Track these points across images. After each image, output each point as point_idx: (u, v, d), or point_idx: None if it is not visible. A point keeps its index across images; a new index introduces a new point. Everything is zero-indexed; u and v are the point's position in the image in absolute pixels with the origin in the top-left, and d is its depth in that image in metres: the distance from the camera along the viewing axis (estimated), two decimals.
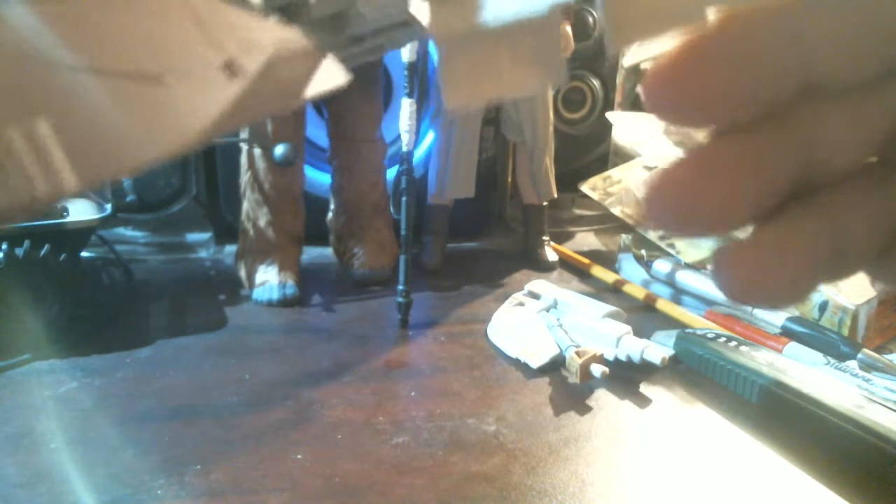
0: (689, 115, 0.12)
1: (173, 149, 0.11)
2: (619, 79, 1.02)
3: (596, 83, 1.01)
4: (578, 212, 1.06)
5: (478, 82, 0.13)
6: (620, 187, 0.85)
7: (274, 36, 0.12)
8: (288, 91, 0.12)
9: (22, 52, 0.10)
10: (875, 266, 0.13)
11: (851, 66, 0.12)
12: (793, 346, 0.57)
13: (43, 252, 0.57)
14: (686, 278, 0.73)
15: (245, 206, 0.76)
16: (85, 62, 0.10)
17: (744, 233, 0.13)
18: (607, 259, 0.84)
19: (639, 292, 0.73)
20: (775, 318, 0.63)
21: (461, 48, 0.13)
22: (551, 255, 0.85)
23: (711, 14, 0.12)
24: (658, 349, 0.55)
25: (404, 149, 0.70)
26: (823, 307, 0.61)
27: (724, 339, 0.55)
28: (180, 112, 0.11)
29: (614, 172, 0.89)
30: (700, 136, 0.13)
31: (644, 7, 0.11)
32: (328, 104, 0.79)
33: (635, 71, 1.16)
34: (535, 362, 0.57)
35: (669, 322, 0.66)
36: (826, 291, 0.61)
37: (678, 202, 0.12)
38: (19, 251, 0.56)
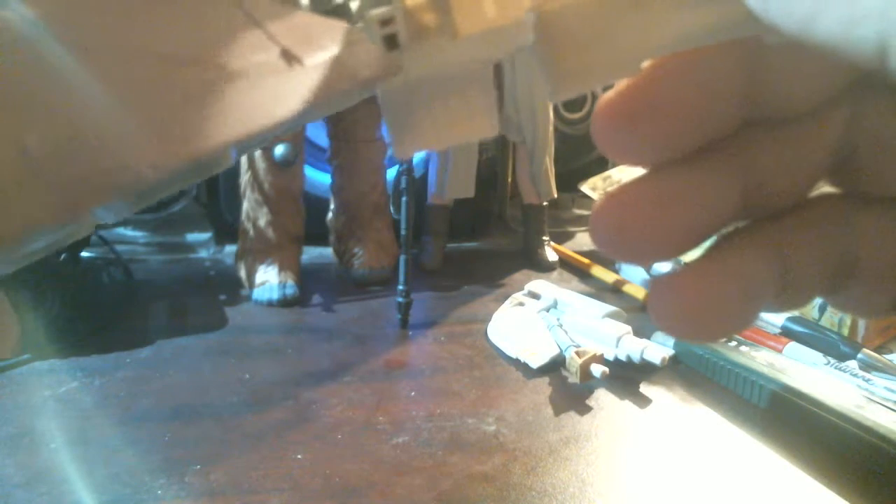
0: (632, 155, 0.12)
1: (245, 133, 0.11)
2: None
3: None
4: (578, 212, 1.06)
5: (418, 134, 0.13)
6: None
7: (329, 30, 0.12)
8: (355, 81, 0.12)
9: (124, 42, 0.11)
10: (829, 298, 0.13)
11: (791, 99, 0.12)
12: (793, 346, 0.57)
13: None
14: None
15: (245, 206, 0.76)
16: (159, 50, 0.11)
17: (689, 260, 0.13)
18: (607, 259, 0.84)
19: (639, 292, 0.73)
20: (775, 318, 0.63)
21: (400, 101, 0.13)
22: (551, 255, 0.85)
23: (645, 64, 0.12)
24: (658, 349, 0.55)
25: None
26: (823, 307, 0.61)
27: (724, 339, 0.55)
28: (249, 98, 0.11)
29: (614, 172, 0.89)
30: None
31: (581, 61, 0.12)
32: None
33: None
34: (535, 362, 0.57)
35: None
36: None
37: (620, 229, 0.12)
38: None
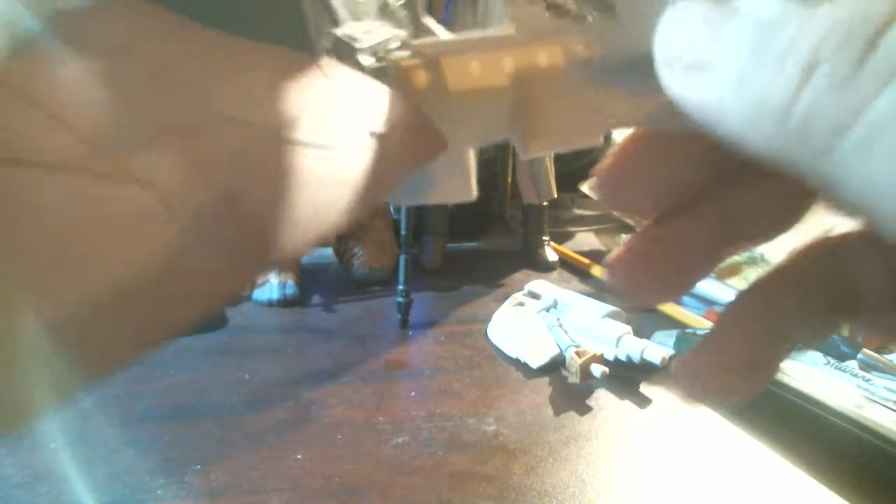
0: (624, 207, 0.15)
1: (351, 211, 0.12)
2: None
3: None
4: (578, 212, 1.06)
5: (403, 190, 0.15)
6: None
7: (399, 105, 0.13)
8: (407, 159, 0.13)
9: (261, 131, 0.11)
10: (855, 326, 0.14)
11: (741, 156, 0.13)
12: None
13: None
14: None
15: None
16: (290, 134, 0.12)
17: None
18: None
19: None
20: None
21: None
22: (551, 255, 0.85)
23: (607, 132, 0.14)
24: (658, 349, 0.55)
25: None
26: None
27: None
28: (350, 176, 0.12)
29: None
30: None
31: (549, 127, 0.14)
32: None
33: None
34: (535, 362, 0.57)
35: (669, 322, 0.66)
36: None
37: (627, 282, 0.15)
38: None
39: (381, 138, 0.13)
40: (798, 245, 0.14)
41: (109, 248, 0.10)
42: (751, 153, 0.10)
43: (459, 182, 0.15)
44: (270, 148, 0.11)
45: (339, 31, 0.14)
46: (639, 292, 0.14)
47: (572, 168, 1.00)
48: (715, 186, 0.14)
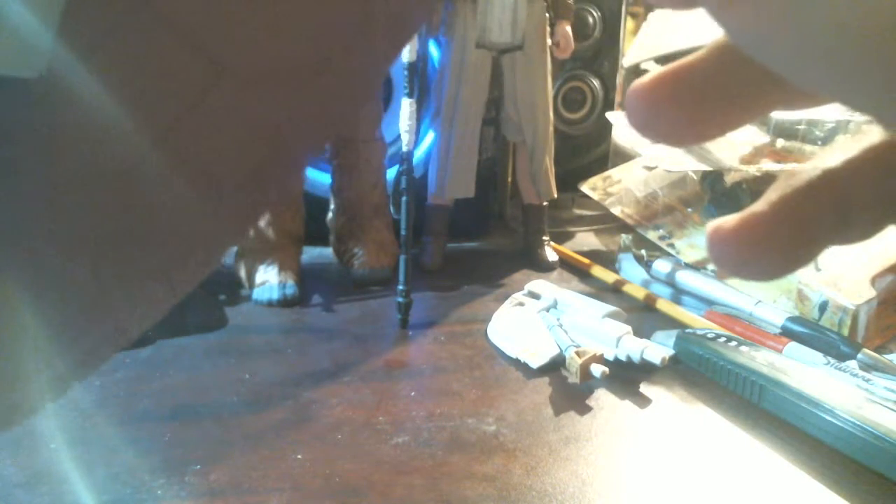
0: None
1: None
2: (619, 79, 1.02)
3: (596, 83, 1.01)
4: (578, 212, 1.06)
5: None
6: (620, 187, 0.86)
7: None
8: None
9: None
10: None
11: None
12: (793, 346, 0.57)
13: None
14: (686, 278, 0.73)
15: None
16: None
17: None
18: (607, 259, 0.84)
19: (639, 292, 0.73)
20: (775, 318, 0.63)
21: None
22: (551, 255, 0.85)
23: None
24: (658, 349, 0.55)
25: (404, 149, 0.70)
26: (823, 307, 0.61)
27: (724, 339, 0.55)
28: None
29: (614, 172, 0.89)
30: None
31: None
32: None
33: (635, 71, 1.16)
34: (535, 362, 0.57)
35: (669, 322, 0.66)
36: (826, 291, 0.61)
37: (650, 115, 0.13)
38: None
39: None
40: (857, 143, 0.13)
41: (160, 239, 0.11)
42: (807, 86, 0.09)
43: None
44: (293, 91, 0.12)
45: None
46: (659, 125, 0.13)
47: (572, 168, 1.00)
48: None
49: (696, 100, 0.13)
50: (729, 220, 0.13)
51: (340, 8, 0.12)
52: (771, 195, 0.13)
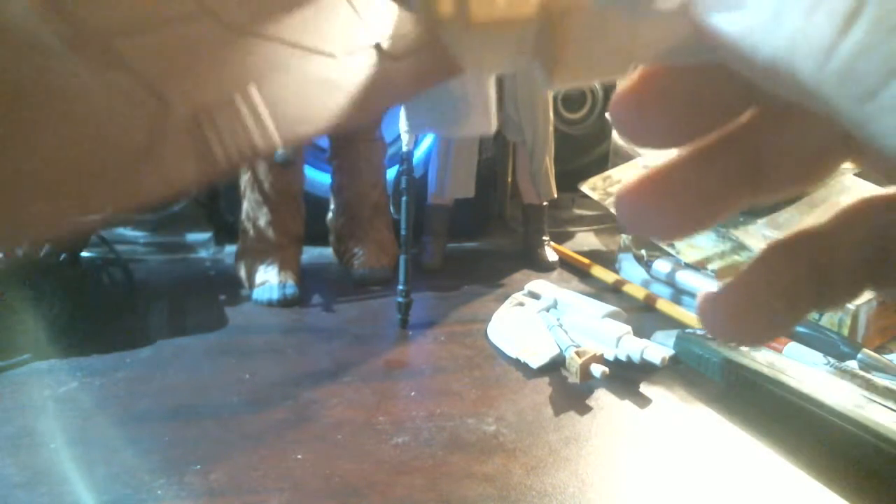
0: (644, 138, 0.14)
1: (346, 117, 0.12)
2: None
3: (596, 83, 1.01)
4: (578, 212, 1.06)
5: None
6: (620, 187, 0.85)
7: (407, 25, 0.13)
8: (417, 75, 0.13)
9: (232, 25, 0.12)
10: (879, 293, 0.14)
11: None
12: (793, 346, 0.56)
13: (43, 252, 0.57)
14: (686, 278, 0.73)
15: (245, 206, 0.76)
16: (279, 36, 0.12)
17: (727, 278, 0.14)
18: (607, 259, 0.84)
19: (639, 292, 0.73)
20: None
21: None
22: (551, 255, 0.85)
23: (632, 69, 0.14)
24: (658, 349, 0.55)
25: (404, 149, 0.70)
26: None
27: None
28: (349, 83, 0.12)
29: (614, 172, 0.89)
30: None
31: (577, 56, 0.13)
32: None
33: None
34: (535, 362, 0.57)
35: (669, 322, 0.66)
36: None
37: (637, 215, 0.14)
38: (19, 251, 0.56)
39: (386, 52, 0.13)
40: (837, 206, 0.14)
41: (91, 138, 0.11)
42: (784, 91, 0.09)
43: (479, 115, 0.15)
44: (276, 62, 0.12)
45: None
46: (644, 224, 0.14)
47: (572, 168, 1.00)
48: (739, 130, 0.14)
49: (676, 201, 0.14)
50: (718, 288, 0.14)
51: None
52: (754, 260, 0.14)
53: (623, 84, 0.13)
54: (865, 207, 0.13)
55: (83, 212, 0.10)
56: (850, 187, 0.68)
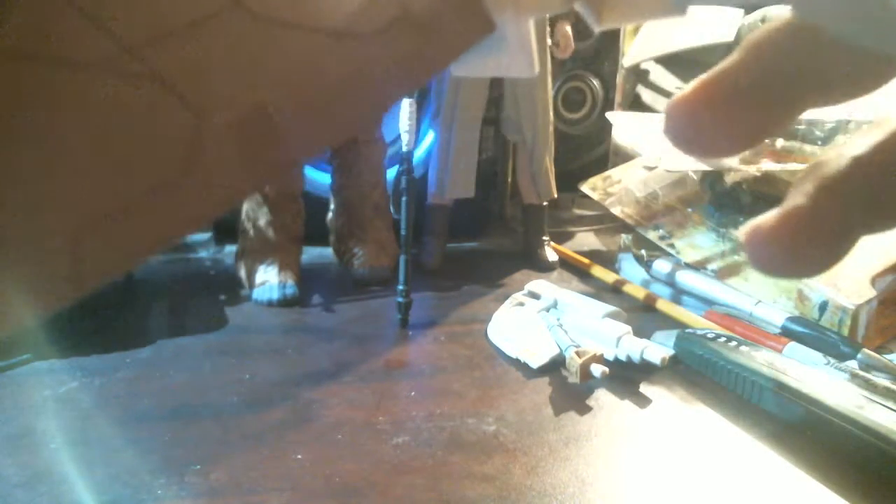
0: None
1: (379, 102, 0.12)
2: (619, 79, 1.02)
3: (596, 83, 1.01)
4: (578, 212, 1.06)
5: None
6: (620, 187, 0.86)
7: None
8: (449, 42, 0.12)
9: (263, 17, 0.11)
10: None
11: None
12: (793, 346, 0.57)
13: None
14: (686, 278, 0.73)
15: (245, 206, 0.76)
16: (308, 22, 0.11)
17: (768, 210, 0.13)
18: (607, 259, 0.84)
19: (639, 292, 0.73)
20: (775, 318, 0.63)
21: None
22: (551, 255, 0.85)
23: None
24: (658, 349, 0.55)
25: (404, 149, 0.70)
26: (823, 307, 0.61)
27: (724, 339, 0.55)
28: (381, 69, 0.12)
29: (614, 172, 0.89)
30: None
31: None
32: None
33: (635, 71, 1.16)
34: (535, 362, 0.57)
35: (669, 322, 0.66)
36: (826, 291, 0.61)
37: (692, 120, 0.13)
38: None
39: (415, 17, 0.12)
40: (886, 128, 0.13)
41: (130, 159, 0.10)
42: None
43: (521, 57, 0.14)
44: (308, 51, 0.11)
45: None
46: (700, 137, 0.13)
47: (572, 168, 1.00)
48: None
49: (736, 105, 0.13)
50: (767, 218, 0.13)
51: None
52: (805, 187, 0.13)
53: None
54: None
55: (136, 255, 0.10)
56: None
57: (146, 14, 0.10)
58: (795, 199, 0.13)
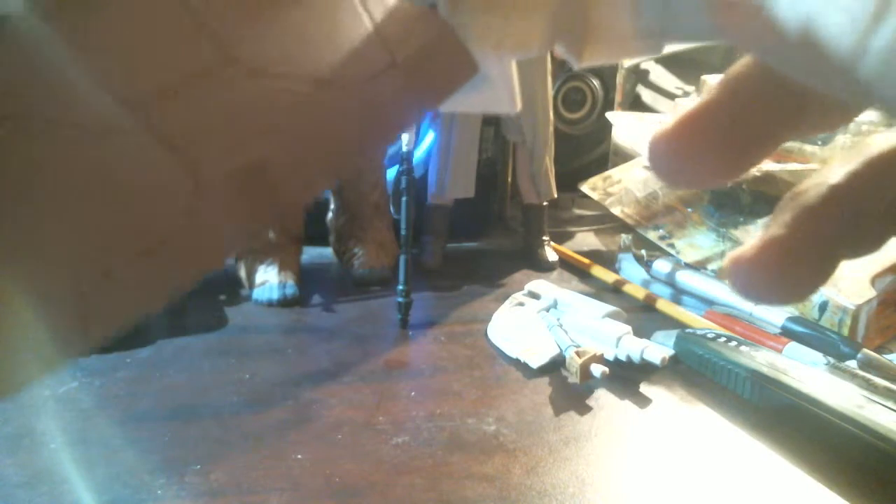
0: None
1: (370, 146, 0.12)
2: (619, 79, 1.02)
3: (596, 83, 1.01)
4: (578, 212, 1.06)
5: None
6: (620, 187, 0.85)
7: (428, 27, 0.12)
8: (436, 87, 0.12)
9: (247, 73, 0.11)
10: None
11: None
12: (793, 346, 0.57)
13: None
14: (686, 278, 0.73)
15: None
16: (299, 72, 0.11)
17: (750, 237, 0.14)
18: (607, 259, 0.84)
19: (639, 292, 0.73)
20: (775, 318, 0.63)
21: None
22: (551, 255, 0.85)
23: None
24: (658, 349, 0.55)
25: (404, 149, 0.70)
26: (823, 307, 0.61)
27: (724, 339, 0.55)
28: (371, 116, 0.12)
29: (614, 172, 0.89)
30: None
31: (606, 31, 0.13)
32: None
33: (635, 71, 1.16)
34: (535, 362, 0.57)
35: (669, 322, 0.66)
36: (826, 291, 0.61)
37: (676, 151, 0.14)
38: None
39: (402, 66, 0.12)
40: (860, 156, 0.13)
41: (129, 216, 0.10)
42: (811, 78, 0.09)
43: (503, 94, 0.14)
44: (299, 102, 0.11)
45: None
46: (681, 170, 0.14)
47: (572, 168, 1.00)
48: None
49: (716, 140, 0.13)
50: (748, 248, 0.13)
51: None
52: (784, 217, 0.13)
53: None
54: (887, 157, 0.13)
55: (140, 307, 0.10)
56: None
57: (142, 72, 0.10)
58: (775, 228, 0.13)
